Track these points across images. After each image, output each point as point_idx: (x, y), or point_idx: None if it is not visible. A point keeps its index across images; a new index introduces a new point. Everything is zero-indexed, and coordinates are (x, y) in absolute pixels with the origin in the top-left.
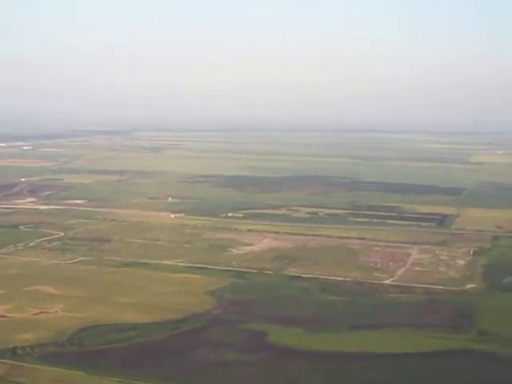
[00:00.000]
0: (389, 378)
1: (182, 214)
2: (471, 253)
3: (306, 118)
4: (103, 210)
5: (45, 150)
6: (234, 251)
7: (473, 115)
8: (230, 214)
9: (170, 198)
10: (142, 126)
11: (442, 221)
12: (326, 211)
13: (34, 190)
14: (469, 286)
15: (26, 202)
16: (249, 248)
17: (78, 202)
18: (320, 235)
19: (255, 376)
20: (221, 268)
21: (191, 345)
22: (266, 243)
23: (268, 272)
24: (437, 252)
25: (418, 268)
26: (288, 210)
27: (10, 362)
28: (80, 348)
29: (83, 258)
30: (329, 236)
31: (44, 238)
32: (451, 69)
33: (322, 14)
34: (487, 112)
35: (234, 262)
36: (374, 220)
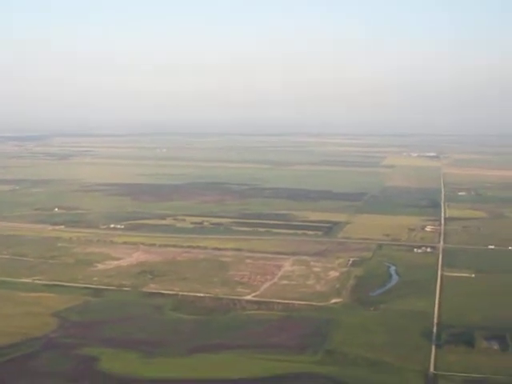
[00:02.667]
0: None
1: (62, 226)
2: (349, 263)
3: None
4: None
5: None
6: (100, 266)
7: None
8: (111, 226)
9: (56, 209)
10: (61, 131)
11: (330, 229)
12: (213, 220)
13: None
14: (333, 300)
15: None
16: (116, 263)
17: None
18: (196, 247)
19: None
20: (79, 285)
21: (12, 374)
22: (135, 257)
23: (126, 289)
24: (312, 263)
25: (285, 282)
26: (174, 219)
27: None
28: None
29: None
30: (205, 248)
31: None
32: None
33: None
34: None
35: (94, 279)
36: (260, 229)
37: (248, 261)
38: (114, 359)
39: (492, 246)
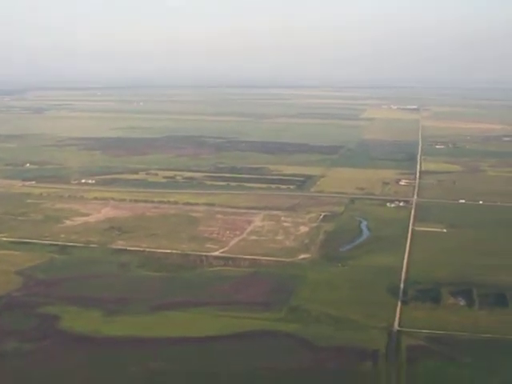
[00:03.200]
0: (167, 367)
1: (33, 182)
2: (320, 218)
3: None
4: None
5: None
6: (68, 223)
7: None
8: (83, 181)
9: (27, 165)
10: (39, 85)
11: (304, 183)
12: (186, 174)
13: None
14: (301, 256)
15: None
16: (84, 219)
17: None
18: (167, 202)
19: (27, 368)
20: (46, 242)
21: None
22: (103, 213)
23: (93, 246)
24: (282, 218)
25: (254, 237)
26: (147, 174)
27: None
28: None
29: None
30: (176, 203)
31: None
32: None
33: None
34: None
35: (62, 236)
36: (232, 183)
37: (218, 216)
38: (76, 318)
39: (463, 201)
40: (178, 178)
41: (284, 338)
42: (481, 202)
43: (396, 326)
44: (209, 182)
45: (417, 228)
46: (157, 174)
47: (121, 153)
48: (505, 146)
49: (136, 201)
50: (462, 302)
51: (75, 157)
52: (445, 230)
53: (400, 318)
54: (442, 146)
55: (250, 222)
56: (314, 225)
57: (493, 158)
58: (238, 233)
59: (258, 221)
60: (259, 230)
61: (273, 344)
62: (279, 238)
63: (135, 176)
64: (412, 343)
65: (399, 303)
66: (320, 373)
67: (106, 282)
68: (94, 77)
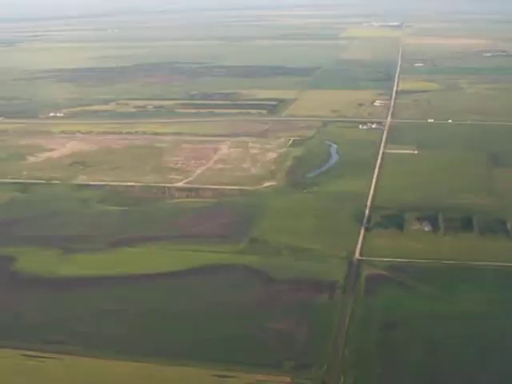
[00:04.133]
0: (117, 306)
1: (0, 118)
2: (289, 143)
3: None
4: None
5: None
6: (32, 159)
7: None
8: (51, 114)
9: None
10: (11, 17)
11: (276, 107)
12: (157, 103)
13: None
14: (266, 184)
15: None
16: (48, 154)
17: None
18: (135, 133)
19: None
20: (8, 181)
21: None
22: (69, 147)
23: (56, 182)
24: (250, 145)
25: (219, 166)
26: (117, 104)
27: None
28: None
29: None
30: (144, 133)
31: None
32: None
33: None
34: None
35: (24, 173)
36: (203, 111)
37: (185, 145)
38: (32, 258)
39: (431, 120)
40: (148, 107)
41: (241, 272)
42: (455, 122)
43: (357, 255)
44: (179, 111)
45: (388, 150)
46: (127, 104)
47: (92, 83)
48: (485, 61)
49: (104, 133)
50: (428, 228)
51: (45, 90)
52: (416, 152)
53: (362, 247)
54: (421, 64)
55: (216, 150)
56: (283, 150)
57: (472, 74)
58: (203, 162)
59: (225, 149)
60: (225, 159)
61: (229, 278)
62: (245, 165)
63: (105, 107)
64: (372, 273)
65: (362, 231)
66: (274, 306)
67: (66, 219)
68: (70, 5)
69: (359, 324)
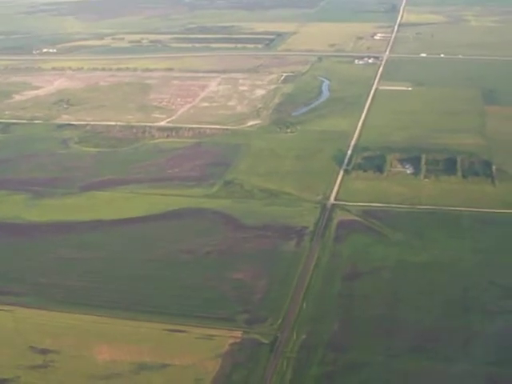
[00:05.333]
0: (78, 254)
1: None
2: (281, 80)
3: None
4: None
5: None
6: (17, 98)
7: None
8: (44, 50)
9: None
10: None
11: (273, 41)
12: (152, 37)
13: None
14: (250, 123)
15: None
16: (34, 92)
17: None
18: (125, 69)
19: None
20: None
21: None
22: (56, 85)
23: (38, 122)
24: (240, 81)
25: (205, 104)
26: (113, 39)
27: None
28: None
29: None
30: (135, 69)
31: None
32: None
33: None
34: None
35: (6, 113)
36: (198, 45)
37: (174, 82)
38: (1, 203)
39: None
40: (143, 41)
41: (210, 217)
42: (454, 56)
43: (332, 200)
44: (174, 45)
45: (381, 87)
46: (123, 39)
47: (93, 17)
48: None
49: (94, 69)
50: (410, 170)
51: (44, 24)
52: (410, 89)
53: (338, 190)
54: None
55: (204, 87)
56: (273, 87)
57: (480, 6)
58: (189, 100)
59: (213, 85)
60: (212, 96)
61: (196, 224)
62: (231, 103)
63: (100, 42)
64: (345, 218)
65: (341, 173)
66: (239, 255)
67: (41, 161)
68: None
69: (323, 274)
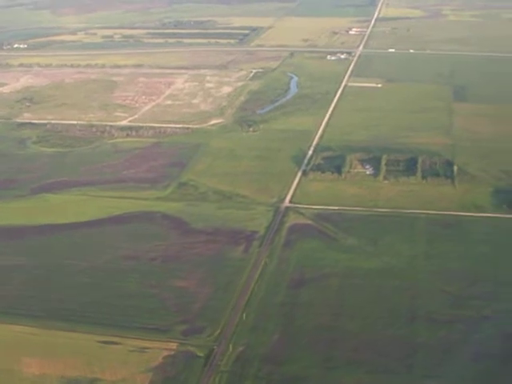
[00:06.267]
0: (22, 261)
1: None
2: (249, 76)
3: None
4: None
5: None
6: None
7: None
8: (15, 46)
9: None
10: None
11: (247, 36)
12: (126, 32)
13: None
14: (213, 122)
15: None
16: None
17: None
18: (94, 65)
19: None
20: None
21: None
22: (21, 82)
23: None
24: (208, 78)
25: (169, 102)
26: (86, 33)
27: None
28: None
29: None
30: (103, 66)
31: None
32: None
33: None
34: None
35: None
36: (171, 40)
37: (141, 79)
38: None
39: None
40: (116, 36)
41: (159, 221)
42: (428, 51)
43: (287, 202)
44: (146, 40)
45: (350, 84)
46: (95, 34)
47: (70, 11)
48: None
49: (62, 66)
50: (369, 171)
51: (19, 18)
52: (380, 85)
53: (294, 192)
54: None
55: (171, 84)
56: (240, 84)
57: (461, 0)
58: (154, 98)
59: (180, 82)
60: (177, 94)
61: (145, 228)
62: (196, 101)
63: (73, 37)
64: (297, 222)
65: (299, 174)
66: (185, 261)
67: None
68: None
69: (268, 281)
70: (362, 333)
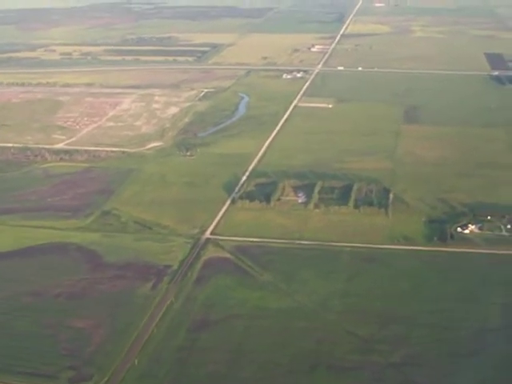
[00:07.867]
0: None
1: None
2: (199, 96)
3: None
4: None
5: None
6: None
7: None
8: None
9: None
10: None
11: (206, 54)
12: (85, 49)
13: None
14: (151, 145)
15: None
16: None
17: None
18: (45, 84)
19: None
20: None
21: None
22: None
23: None
24: (156, 98)
25: (111, 124)
26: (45, 50)
27: None
28: None
29: None
30: (54, 84)
31: None
32: None
33: None
34: None
35: None
36: (128, 58)
37: (88, 99)
38: None
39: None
40: (74, 54)
41: (73, 254)
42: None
43: (208, 234)
44: (103, 58)
45: (301, 104)
46: (54, 51)
47: (35, 26)
48: (448, 0)
49: (12, 84)
50: (302, 199)
51: None
52: (330, 106)
53: (218, 222)
54: (383, 4)
55: (117, 105)
56: (187, 104)
57: (430, 15)
58: (96, 119)
59: (127, 103)
60: (121, 115)
61: (56, 262)
62: (138, 123)
63: (31, 54)
64: (214, 256)
65: (228, 202)
66: (88, 299)
67: None
68: None
69: (170, 323)
70: (258, 382)
